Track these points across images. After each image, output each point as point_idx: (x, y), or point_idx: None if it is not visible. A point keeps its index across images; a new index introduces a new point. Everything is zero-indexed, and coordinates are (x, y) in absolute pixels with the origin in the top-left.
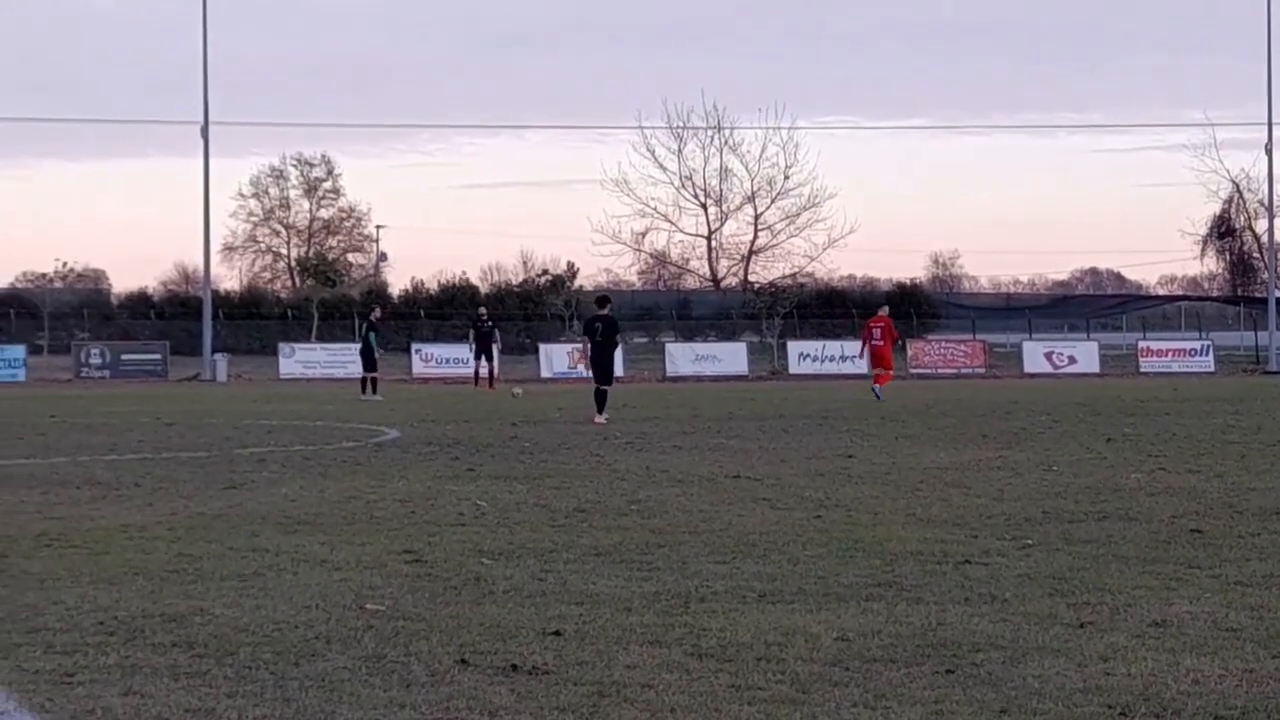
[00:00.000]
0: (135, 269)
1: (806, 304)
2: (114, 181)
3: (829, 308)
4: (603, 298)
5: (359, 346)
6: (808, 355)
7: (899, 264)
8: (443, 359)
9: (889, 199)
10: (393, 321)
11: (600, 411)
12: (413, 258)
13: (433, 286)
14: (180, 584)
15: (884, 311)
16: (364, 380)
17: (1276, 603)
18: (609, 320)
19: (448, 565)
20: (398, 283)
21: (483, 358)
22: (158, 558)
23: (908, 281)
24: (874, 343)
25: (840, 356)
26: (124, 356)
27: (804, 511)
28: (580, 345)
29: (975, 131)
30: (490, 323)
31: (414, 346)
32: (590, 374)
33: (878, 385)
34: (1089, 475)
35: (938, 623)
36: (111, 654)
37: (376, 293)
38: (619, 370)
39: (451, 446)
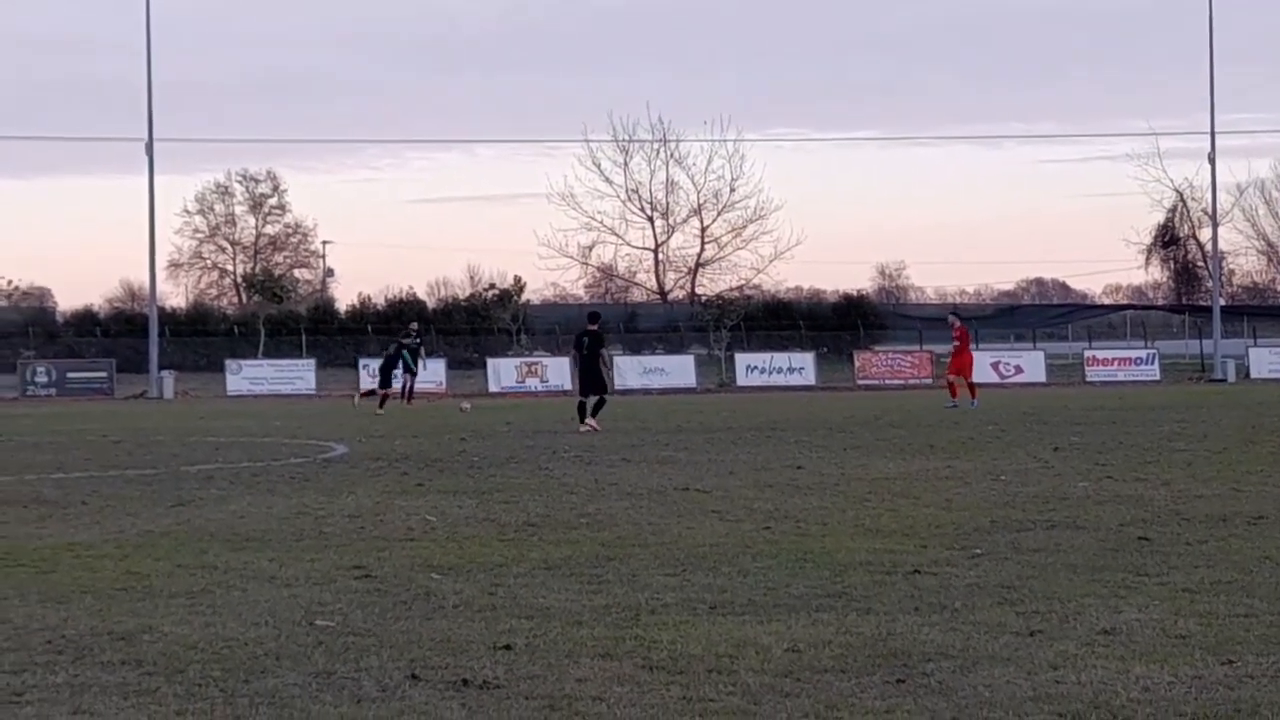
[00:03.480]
0: (81, 287)
1: (754, 316)
2: (59, 199)
3: (776, 320)
4: (593, 314)
5: (380, 363)
6: (755, 367)
7: (845, 275)
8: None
9: (835, 211)
10: (339, 337)
11: (583, 420)
12: (361, 274)
13: (380, 302)
14: (129, 602)
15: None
16: (382, 397)
17: (1224, 609)
18: (595, 335)
19: (397, 580)
20: (345, 298)
21: (409, 373)
22: (106, 576)
23: (854, 293)
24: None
25: (788, 368)
26: (70, 374)
27: (753, 523)
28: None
29: (921, 143)
30: (419, 339)
31: (361, 362)
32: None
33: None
34: (1037, 484)
35: (888, 633)
36: (60, 672)
37: (411, 314)
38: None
39: (400, 461)
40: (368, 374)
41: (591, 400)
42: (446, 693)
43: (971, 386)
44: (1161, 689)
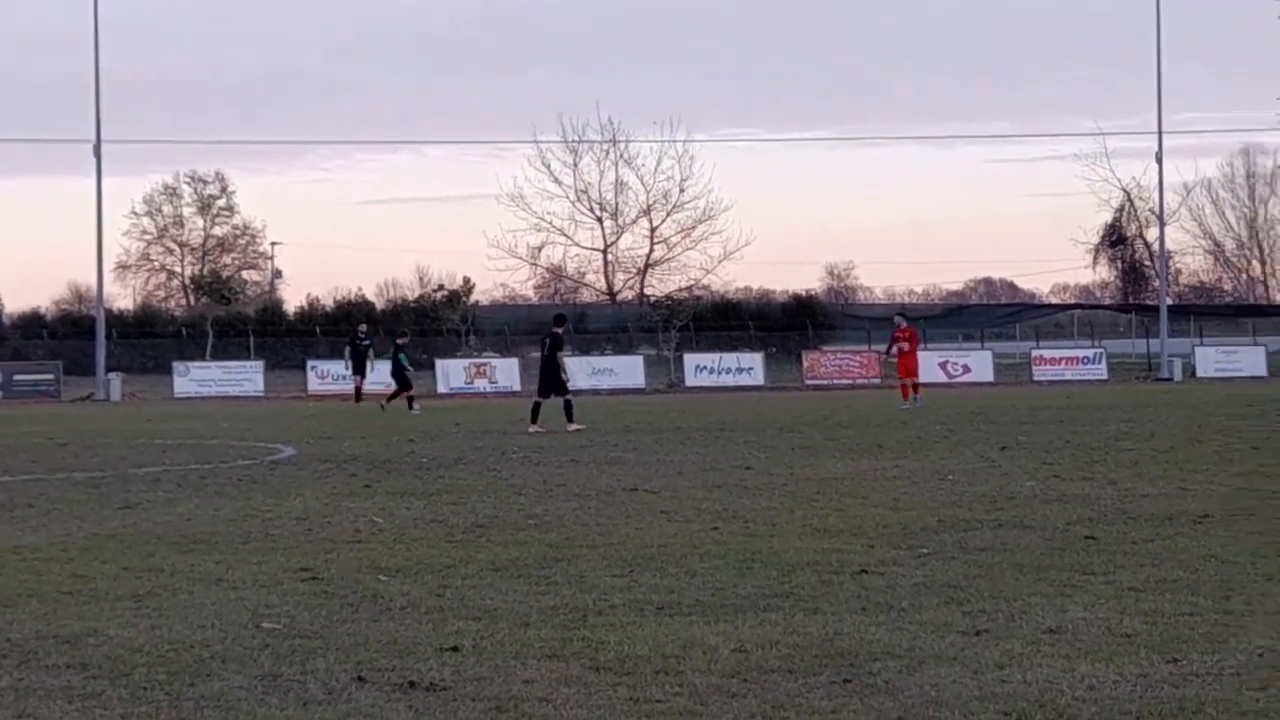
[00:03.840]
0: (28, 289)
1: (703, 316)
2: (5, 201)
3: (725, 320)
4: (559, 316)
5: (389, 368)
6: (704, 368)
7: (795, 276)
8: (339, 376)
9: (785, 211)
10: (288, 339)
11: (534, 421)
12: (311, 275)
13: (328, 303)
14: (74, 605)
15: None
16: (409, 398)
17: (1169, 608)
18: (556, 337)
19: (344, 582)
20: (294, 300)
21: (360, 374)
22: (51, 579)
23: (803, 293)
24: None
25: (737, 369)
26: (17, 377)
27: (701, 524)
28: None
29: (871, 143)
30: (367, 340)
31: (309, 363)
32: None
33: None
34: (984, 483)
35: (835, 633)
36: (4, 677)
37: (359, 315)
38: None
39: (348, 463)
40: (315, 375)
41: (552, 401)
42: (393, 695)
43: (911, 386)
44: (1106, 687)
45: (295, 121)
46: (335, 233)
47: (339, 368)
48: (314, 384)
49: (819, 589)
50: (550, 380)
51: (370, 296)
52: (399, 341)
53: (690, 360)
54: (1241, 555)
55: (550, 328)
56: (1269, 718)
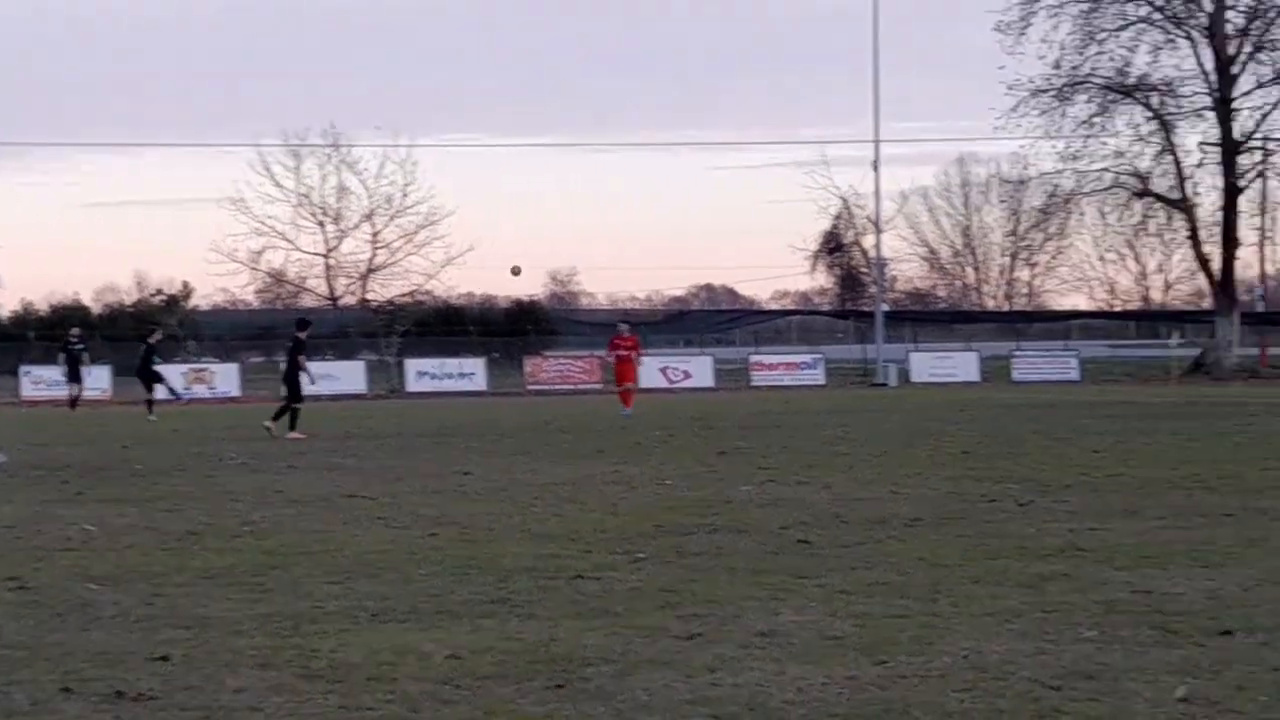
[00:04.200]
0: None
1: (426, 322)
2: None
3: (448, 325)
4: (301, 320)
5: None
6: (426, 373)
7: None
8: (53, 381)
9: (509, 216)
10: (2, 344)
11: (274, 421)
12: (30, 279)
13: (43, 308)
14: None
15: (625, 329)
16: (149, 402)
17: (879, 610)
18: (298, 341)
19: (53, 591)
20: (8, 304)
21: (76, 380)
22: None
23: (525, 299)
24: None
25: (459, 374)
26: None
27: (420, 530)
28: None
29: (595, 149)
30: (81, 345)
31: (22, 369)
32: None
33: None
34: (702, 489)
35: (549, 638)
36: None
37: (74, 320)
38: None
39: (61, 470)
40: (29, 381)
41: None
42: (100, 705)
43: (626, 393)
44: (815, 689)
45: (13, 124)
46: (57, 237)
47: (54, 373)
48: (27, 389)
49: (535, 594)
50: (289, 384)
51: (86, 301)
52: (150, 341)
53: (412, 365)
54: (950, 558)
55: (294, 331)
56: (973, 718)
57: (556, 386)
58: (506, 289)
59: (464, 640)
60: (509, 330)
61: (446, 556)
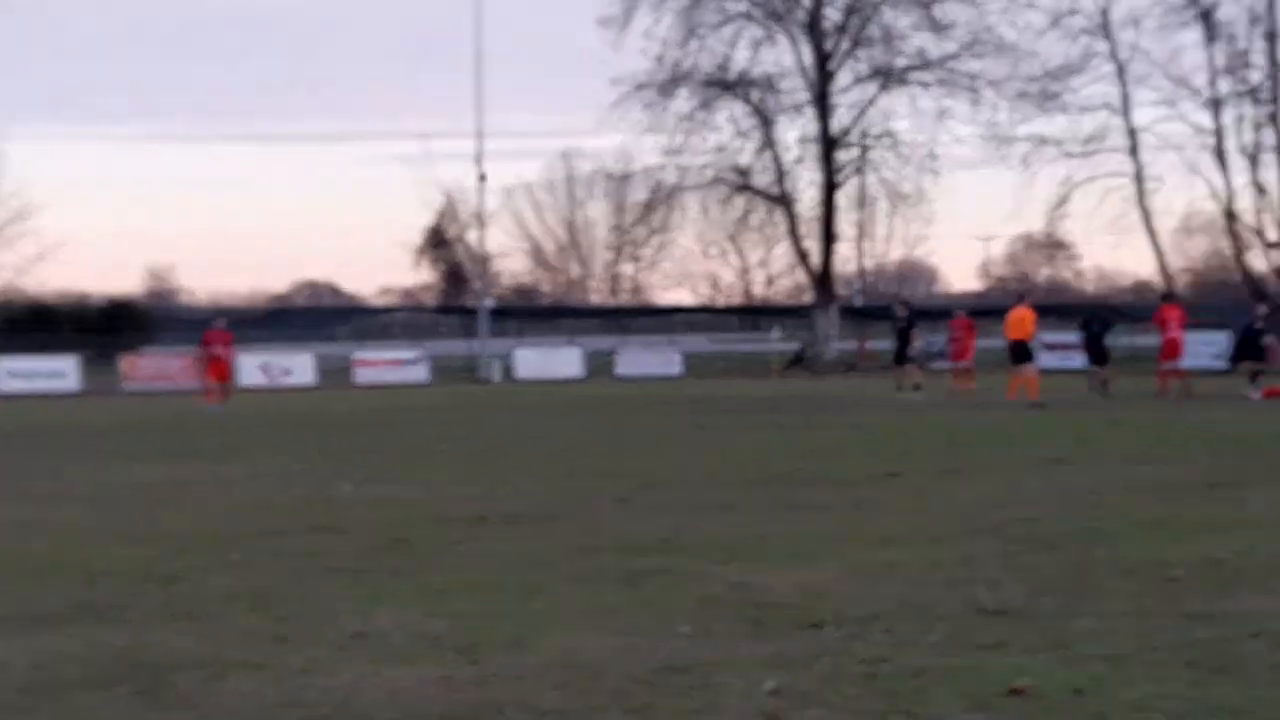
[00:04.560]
0: None
1: (17, 320)
2: None
3: (41, 323)
4: None
5: None
6: (17, 373)
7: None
8: None
9: (105, 211)
10: None
11: None
12: None
13: None
14: None
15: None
16: None
17: (476, 609)
18: None
19: None
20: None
21: None
22: None
23: (122, 296)
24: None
25: (50, 374)
26: None
27: (7, 535)
28: None
29: (198, 141)
30: None
31: None
32: None
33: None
34: (300, 488)
35: (137, 643)
36: None
37: None
38: None
39: None
40: None
41: None
42: None
43: (212, 392)
44: (409, 690)
45: None
46: None
47: None
48: None
49: (124, 599)
50: None
51: None
52: None
53: (1, 365)
54: (548, 556)
55: None
56: (567, 716)
57: (155, 385)
58: (103, 284)
59: (47, 647)
60: (105, 328)
61: (32, 562)
